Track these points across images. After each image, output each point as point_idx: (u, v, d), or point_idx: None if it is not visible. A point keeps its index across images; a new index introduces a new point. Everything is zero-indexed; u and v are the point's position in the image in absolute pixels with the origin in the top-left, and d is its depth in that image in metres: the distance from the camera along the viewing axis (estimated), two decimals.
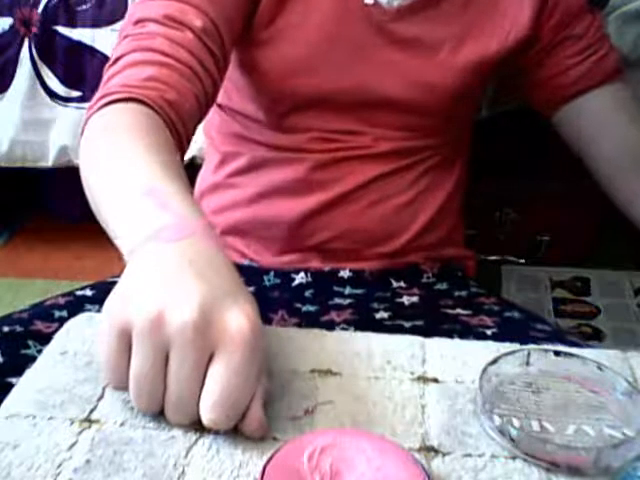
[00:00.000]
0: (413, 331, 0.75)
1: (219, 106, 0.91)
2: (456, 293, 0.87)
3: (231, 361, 0.44)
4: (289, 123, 0.86)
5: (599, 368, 0.52)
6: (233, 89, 0.88)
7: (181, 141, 0.70)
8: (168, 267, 0.48)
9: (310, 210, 0.86)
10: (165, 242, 0.50)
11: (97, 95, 0.71)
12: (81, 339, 0.56)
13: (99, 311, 0.73)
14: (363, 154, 0.85)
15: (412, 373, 0.53)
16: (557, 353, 0.53)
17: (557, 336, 0.76)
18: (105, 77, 0.73)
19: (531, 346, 0.54)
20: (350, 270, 0.87)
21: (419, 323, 0.78)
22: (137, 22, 0.75)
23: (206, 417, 0.44)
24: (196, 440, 0.46)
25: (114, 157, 0.62)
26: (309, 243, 0.87)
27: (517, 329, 0.78)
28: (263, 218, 0.89)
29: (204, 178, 0.96)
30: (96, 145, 0.66)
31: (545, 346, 0.70)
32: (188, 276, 0.47)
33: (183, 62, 0.72)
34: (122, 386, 0.47)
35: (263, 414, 0.46)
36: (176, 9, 0.74)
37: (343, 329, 0.78)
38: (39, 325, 0.70)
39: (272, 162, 0.88)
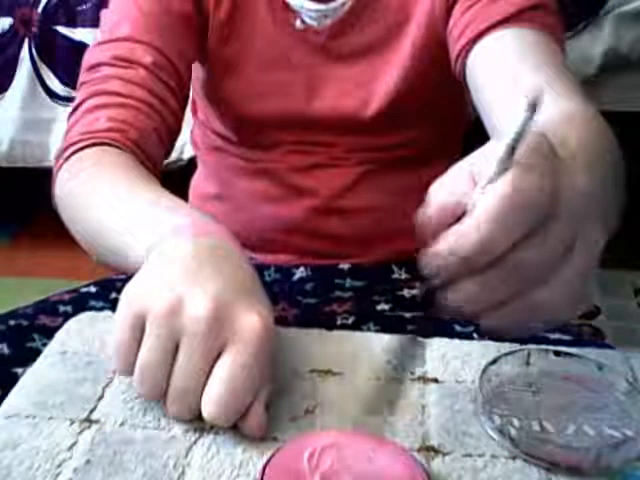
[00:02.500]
0: (414, 322, 0.76)
1: (200, 121, 0.93)
2: None
3: (238, 358, 0.45)
4: (259, 141, 0.87)
5: (599, 368, 0.52)
6: (207, 108, 0.90)
7: (153, 174, 0.71)
8: (187, 260, 0.49)
9: (297, 217, 0.87)
10: (185, 237, 0.51)
11: (61, 147, 0.73)
12: (81, 339, 0.56)
13: (103, 307, 0.75)
14: (339, 164, 0.86)
15: (412, 373, 0.53)
16: (557, 353, 0.53)
17: (557, 325, 0.76)
18: (67, 127, 0.75)
19: (531, 346, 0.54)
20: (350, 263, 0.88)
21: (420, 314, 0.78)
22: (90, 68, 0.77)
23: (207, 411, 0.45)
24: (196, 440, 0.46)
25: (102, 187, 0.65)
26: (303, 248, 0.88)
27: None
28: (253, 228, 0.90)
29: (195, 186, 0.98)
30: (74, 186, 0.68)
31: (546, 335, 0.71)
32: (207, 270, 0.48)
33: (139, 99, 0.74)
34: (128, 372, 0.47)
35: (264, 415, 0.46)
36: (125, 49, 0.76)
37: (344, 319, 0.78)
38: (44, 319, 0.71)
39: (251, 173, 0.89)
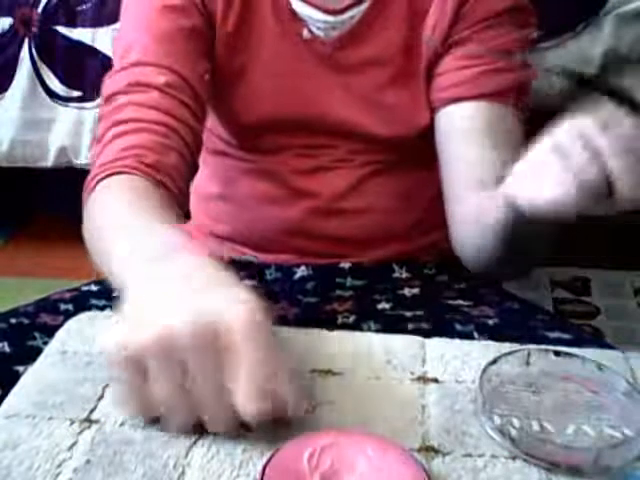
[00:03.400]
0: (415, 320, 0.76)
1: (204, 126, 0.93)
2: (456, 285, 0.87)
3: (243, 348, 0.45)
4: (263, 146, 0.87)
5: (599, 368, 0.52)
6: (212, 114, 0.90)
7: (173, 194, 0.72)
8: (156, 291, 0.49)
9: (298, 219, 0.88)
10: (152, 266, 0.51)
11: (86, 181, 0.74)
12: (81, 339, 0.56)
13: (105, 305, 0.75)
14: (341, 165, 0.86)
15: (412, 373, 0.53)
16: (557, 353, 0.53)
17: (557, 324, 0.76)
18: (91, 162, 0.76)
19: (531, 346, 0.54)
20: (350, 262, 0.88)
21: (420, 313, 0.79)
22: (107, 99, 0.77)
23: (245, 412, 0.45)
24: (196, 440, 0.46)
25: (103, 218, 0.66)
26: (304, 249, 0.89)
27: (518, 319, 0.78)
28: (254, 228, 0.90)
29: (199, 186, 0.98)
30: (90, 217, 0.70)
31: (546, 334, 0.71)
32: (178, 291, 0.48)
33: (154, 122, 0.74)
34: (147, 413, 0.47)
35: (296, 390, 0.46)
36: (138, 74, 0.77)
37: (345, 318, 0.78)
38: (45, 318, 0.71)
39: (254, 175, 0.89)
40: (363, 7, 0.81)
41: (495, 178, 0.77)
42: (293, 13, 0.82)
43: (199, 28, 0.81)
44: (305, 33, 0.83)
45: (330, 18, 0.81)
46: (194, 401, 0.46)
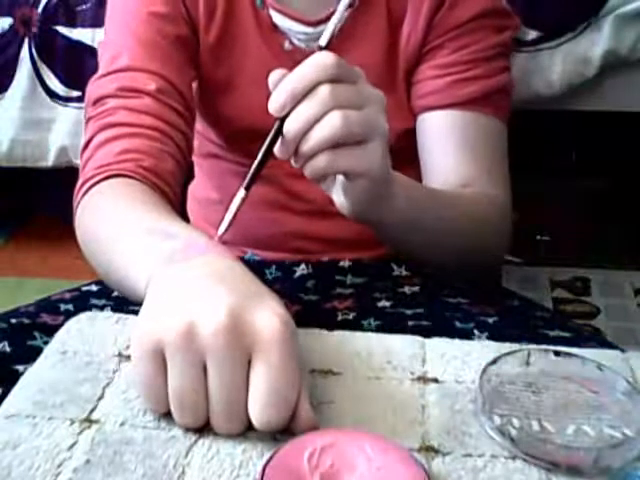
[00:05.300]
0: (415, 318, 0.76)
1: (196, 129, 0.93)
2: (456, 283, 0.88)
3: (271, 359, 0.44)
4: (254, 150, 0.87)
5: (599, 368, 0.52)
6: (203, 119, 0.91)
7: (170, 200, 0.73)
8: (188, 282, 0.49)
9: (294, 221, 0.88)
10: (179, 262, 0.51)
11: (78, 184, 0.74)
12: (81, 339, 0.56)
13: (105, 305, 0.76)
14: None
15: (412, 373, 0.53)
16: (557, 353, 0.53)
17: (557, 322, 0.77)
18: (81, 164, 0.76)
19: (531, 346, 0.54)
20: (349, 259, 0.88)
21: (420, 311, 0.79)
22: (96, 102, 0.77)
23: (259, 420, 0.45)
24: (196, 440, 0.46)
25: (108, 222, 0.66)
26: (304, 250, 0.89)
27: (518, 316, 0.79)
28: (254, 232, 0.90)
29: (193, 191, 0.98)
30: (87, 221, 0.70)
31: (546, 332, 0.71)
32: (210, 285, 0.48)
33: (148, 127, 0.74)
34: (161, 407, 0.47)
35: (312, 410, 0.46)
36: (128, 79, 0.77)
37: (344, 315, 0.79)
38: (45, 318, 0.71)
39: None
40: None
41: (467, 184, 0.82)
42: (274, 25, 0.83)
43: (184, 36, 0.82)
44: (286, 45, 0.83)
45: (310, 30, 0.82)
46: (205, 400, 0.45)
